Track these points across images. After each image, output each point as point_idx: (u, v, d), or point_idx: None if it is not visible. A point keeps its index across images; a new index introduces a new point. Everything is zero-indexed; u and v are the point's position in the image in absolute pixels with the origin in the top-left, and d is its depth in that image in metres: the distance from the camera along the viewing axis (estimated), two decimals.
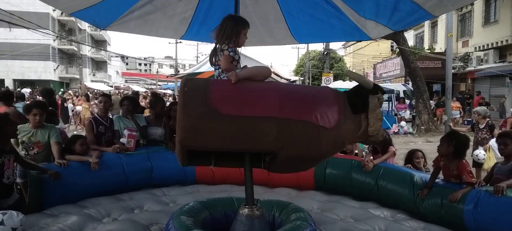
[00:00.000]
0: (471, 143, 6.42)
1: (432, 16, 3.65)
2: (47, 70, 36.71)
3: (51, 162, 3.97)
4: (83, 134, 5.20)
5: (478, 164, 5.89)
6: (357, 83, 2.71)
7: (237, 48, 2.77)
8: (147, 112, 6.62)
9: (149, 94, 21.40)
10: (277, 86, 2.72)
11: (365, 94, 2.65)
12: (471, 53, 21.41)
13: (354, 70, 41.12)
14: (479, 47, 20.22)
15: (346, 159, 4.46)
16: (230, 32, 2.68)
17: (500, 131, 5.56)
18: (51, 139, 4.04)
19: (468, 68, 21.44)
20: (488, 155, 5.82)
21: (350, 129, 2.63)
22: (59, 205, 3.65)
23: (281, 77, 12.52)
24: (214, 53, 2.76)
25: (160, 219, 3.38)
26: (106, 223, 3.33)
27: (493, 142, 5.64)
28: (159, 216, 3.48)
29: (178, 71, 31.08)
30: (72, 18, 34.75)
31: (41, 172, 3.63)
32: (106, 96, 5.21)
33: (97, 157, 4.08)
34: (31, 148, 4.00)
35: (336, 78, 27.71)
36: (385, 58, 30.53)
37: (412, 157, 4.51)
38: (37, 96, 16.94)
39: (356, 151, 5.23)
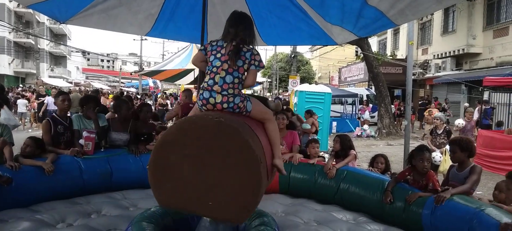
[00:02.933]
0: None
1: (395, 25, 3.78)
2: (2, 64, 34.61)
3: (2, 161, 3.68)
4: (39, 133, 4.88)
5: (434, 167, 6.14)
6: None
7: None
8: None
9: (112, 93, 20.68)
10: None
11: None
12: (430, 61, 22.42)
13: (320, 74, 41.95)
14: (438, 55, 21.20)
15: (310, 164, 4.50)
16: (254, 35, 2.52)
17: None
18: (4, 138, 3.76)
19: (427, 75, 22.43)
20: (444, 158, 6.10)
21: None
22: (10, 209, 3.40)
23: None
24: (236, 53, 2.36)
25: (119, 224, 3.22)
26: (60, 229, 3.14)
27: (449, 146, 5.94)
28: (117, 221, 3.31)
29: (143, 69, 30.29)
30: (30, 10, 33.03)
31: None
32: (66, 94, 4.89)
33: (51, 161, 3.83)
34: None
35: (302, 81, 28.10)
36: (350, 63, 31.33)
37: (373, 161, 4.66)
38: None
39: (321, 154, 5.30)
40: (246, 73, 2.44)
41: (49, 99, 12.88)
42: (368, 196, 3.92)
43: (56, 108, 7.27)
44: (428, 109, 13.07)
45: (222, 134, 2.13)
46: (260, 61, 2.46)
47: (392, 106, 17.26)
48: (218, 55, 2.40)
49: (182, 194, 2.21)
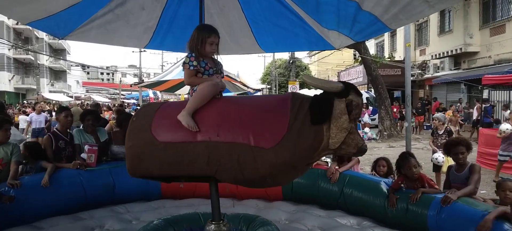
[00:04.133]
0: (430, 148, 6.72)
1: (390, 29, 3.82)
2: (2, 81, 34.72)
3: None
4: None
5: (437, 167, 6.13)
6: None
7: (214, 60, 2.78)
8: (112, 124, 6.34)
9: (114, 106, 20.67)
10: (217, 107, 2.48)
11: (328, 99, 2.20)
12: (428, 61, 22.46)
13: (315, 76, 41.91)
14: (436, 55, 21.25)
15: (313, 168, 4.48)
16: (194, 42, 2.68)
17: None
18: (13, 157, 3.81)
19: (426, 76, 22.45)
20: (446, 158, 6.06)
21: (306, 145, 2.22)
22: (13, 227, 3.40)
23: (248, 87, 12.51)
24: None
25: None
26: None
27: None
28: None
29: (143, 81, 30.36)
30: (29, 27, 33.21)
31: None
32: (69, 110, 4.91)
33: (49, 174, 3.86)
34: None
35: (302, 86, 28.13)
36: (348, 66, 31.38)
37: (375, 165, 4.64)
38: None
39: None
40: None
41: (33, 117, 11.57)
42: (371, 200, 3.89)
43: (41, 126, 7.08)
44: (453, 111, 12.81)
45: None
46: (184, 64, 2.69)
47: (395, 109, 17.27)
48: None
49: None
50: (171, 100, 31.53)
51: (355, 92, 2.25)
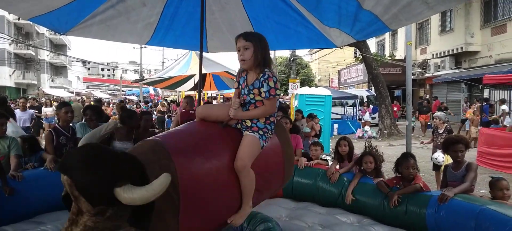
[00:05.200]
0: (431, 146, 6.72)
1: (390, 29, 3.84)
2: (2, 76, 34.75)
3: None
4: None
5: (437, 167, 6.13)
6: None
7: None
8: (114, 119, 6.34)
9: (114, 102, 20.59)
10: None
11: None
12: (429, 60, 22.45)
13: (319, 77, 41.98)
14: (436, 54, 21.23)
15: (313, 168, 4.51)
16: (268, 54, 2.40)
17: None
18: (12, 151, 3.82)
19: (427, 75, 22.45)
20: (446, 157, 6.07)
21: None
22: (13, 223, 3.40)
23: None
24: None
25: None
26: None
27: None
28: None
29: (143, 77, 30.37)
30: (30, 22, 33.19)
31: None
32: (69, 106, 4.92)
33: (52, 160, 3.92)
34: None
35: (302, 84, 28.13)
36: (349, 65, 31.37)
37: (361, 161, 4.29)
38: None
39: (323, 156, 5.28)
40: None
41: (18, 114, 8.89)
42: (370, 202, 3.88)
43: (26, 125, 6.90)
44: (473, 110, 12.68)
45: None
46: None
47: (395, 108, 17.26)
48: None
49: None
50: (172, 97, 31.45)
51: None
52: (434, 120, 6.73)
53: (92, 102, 13.57)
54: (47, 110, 13.47)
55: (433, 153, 6.28)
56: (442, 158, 5.95)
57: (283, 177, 2.67)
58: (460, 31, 19.09)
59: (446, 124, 6.52)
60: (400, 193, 3.63)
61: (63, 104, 4.73)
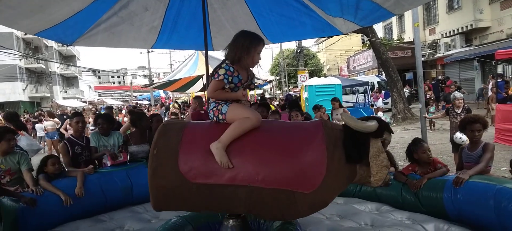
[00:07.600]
0: (448, 127, 6.52)
1: (393, 15, 3.78)
2: (16, 91, 35.44)
3: (24, 189, 3.76)
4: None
5: (457, 147, 5.91)
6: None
7: (248, 71, 2.49)
8: (126, 121, 6.39)
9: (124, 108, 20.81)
10: (252, 146, 2.29)
11: (364, 140, 2.27)
12: (438, 40, 22.04)
13: (328, 66, 41.66)
14: (446, 33, 20.84)
15: None
16: (239, 50, 2.36)
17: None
18: (22, 167, 3.84)
19: (437, 55, 22.06)
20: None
21: (341, 184, 2.35)
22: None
23: (257, 78, 12.49)
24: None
25: None
26: None
27: None
28: None
29: (153, 81, 30.61)
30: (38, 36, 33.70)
31: (16, 199, 3.44)
32: (81, 115, 4.99)
33: (82, 182, 3.90)
34: (2, 177, 3.79)
35: (311, 74, 27.97)
36: (357, 51, 31.05)
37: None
38: None
39: None
40: None
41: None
42: (386, 191, 3.81)
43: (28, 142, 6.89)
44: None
45: None
46: (218, 73, 2.37)
47: (406, 90, 16.99)
48: None
49: None
50: (182, 99, 31.73)
51: (388, 131, 2.38)
52: (456, 100, 6.45)
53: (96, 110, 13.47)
54: (47, 125, 11.64)
55: (452, 134, 6.07)
56: (466, 137, 5.69)
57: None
58: (468, 8, 18.68)
59: (463, 103, 6.31)
60: (429, 177, 3.50)
61: (75, 115, 4.80)
